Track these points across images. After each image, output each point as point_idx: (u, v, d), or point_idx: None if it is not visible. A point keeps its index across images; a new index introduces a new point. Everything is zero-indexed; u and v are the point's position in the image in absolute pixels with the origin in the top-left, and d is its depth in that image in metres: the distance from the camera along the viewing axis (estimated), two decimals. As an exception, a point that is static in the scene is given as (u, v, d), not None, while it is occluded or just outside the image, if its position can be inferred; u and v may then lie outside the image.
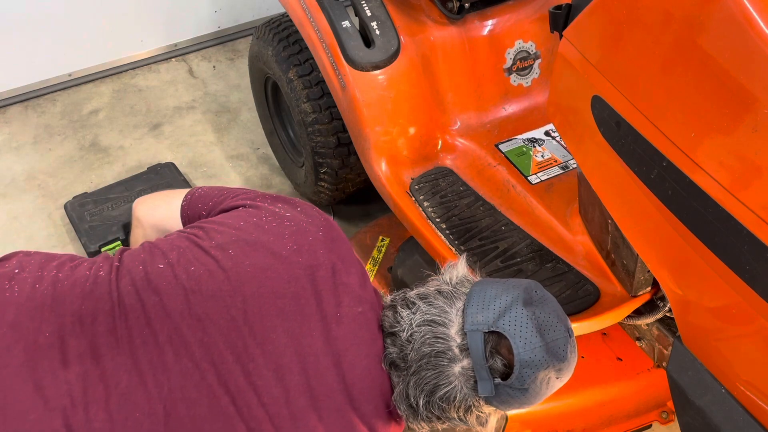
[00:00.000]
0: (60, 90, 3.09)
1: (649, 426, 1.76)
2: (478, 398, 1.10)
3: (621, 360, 1.72)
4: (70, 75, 3.09)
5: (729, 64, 1.01)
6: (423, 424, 1.16)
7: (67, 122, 2.95)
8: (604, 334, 1.76)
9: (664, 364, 1.56)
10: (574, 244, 1.73)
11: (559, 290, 1.63)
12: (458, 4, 1.96)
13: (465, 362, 1.10)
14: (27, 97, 3.04)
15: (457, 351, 1.11)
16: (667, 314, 1.55)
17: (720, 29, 1.03)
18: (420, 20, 2.00)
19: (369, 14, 1.93)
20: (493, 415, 1.16)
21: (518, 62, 2.07)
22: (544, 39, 2.07)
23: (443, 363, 1.11)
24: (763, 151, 0.98)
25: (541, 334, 1.08)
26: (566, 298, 1.60)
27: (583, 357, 1.72)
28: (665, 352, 1.60)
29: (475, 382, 1.09)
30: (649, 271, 1.47)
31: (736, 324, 1.16)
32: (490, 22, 2.04)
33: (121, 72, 3.19)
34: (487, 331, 1.09)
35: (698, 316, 1.27)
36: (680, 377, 1.33)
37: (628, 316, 1.56)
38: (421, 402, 1.12)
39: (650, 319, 1.57)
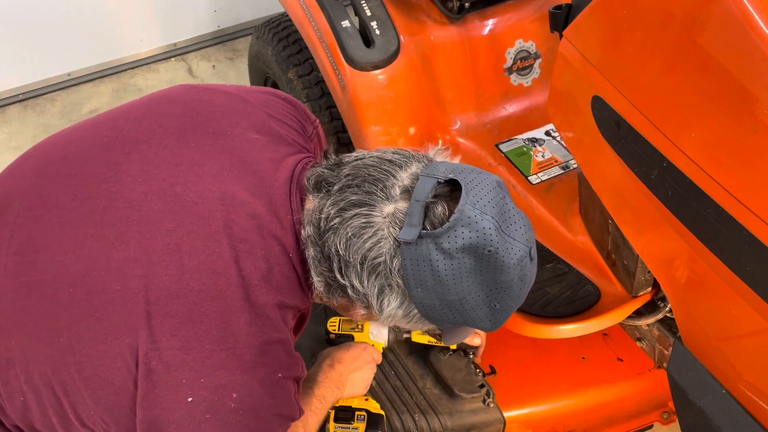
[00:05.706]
0: (59, 89, 3.09)
1: (650, 426, 1.76)
2: (392, 254, 0.95)
3: (622, 360, 1.72)
4: (69, 74, 3.09)
5: (729, 64, 1.01)
6: (336, 296, 1.04)
7: (66, 122, 2.94)
8: (605, 334, 1.75)
9: (665, 364, 1.56)
10: (575, 244, 1.73)
11: (560, 290, 1.62)
12: (458, 3, 1.95)
13: (401, 204, 0.96)
14: (26, 97, 3.04)
15: (398, 190, 0.96)
16: (668, 315, 1.55)
17: (720, 29, 1.03)
18: (420, 20, 1.99)
19: (369, 14, 1.92)
20: (393, 302, 0.99)
21: (518, 62, 2.07)
22: (544, 39, 2.07)
23: (378, 196, 0.96)
24: (763, 151, 0.98)
25: (501, 218, 0.94)
26: (566, 298, 1.60)
27: (583, 358, 1.71)
28: (666, 352, 1.59)
29: (402, 228, 0.93)
30: (649, 272, 1.47)
31: (736, 325, 1.15)
32: (490, 21, 2.04)
33: (120, 71, 3.19)
34: (443, 180, 0.95)
35: (699, 316, 1.27)
36: (681, 378, 1.32)
37: (629, 317, 1.56)
38: (337, 243, 0.97)
39: (651, 320, 1.56)
